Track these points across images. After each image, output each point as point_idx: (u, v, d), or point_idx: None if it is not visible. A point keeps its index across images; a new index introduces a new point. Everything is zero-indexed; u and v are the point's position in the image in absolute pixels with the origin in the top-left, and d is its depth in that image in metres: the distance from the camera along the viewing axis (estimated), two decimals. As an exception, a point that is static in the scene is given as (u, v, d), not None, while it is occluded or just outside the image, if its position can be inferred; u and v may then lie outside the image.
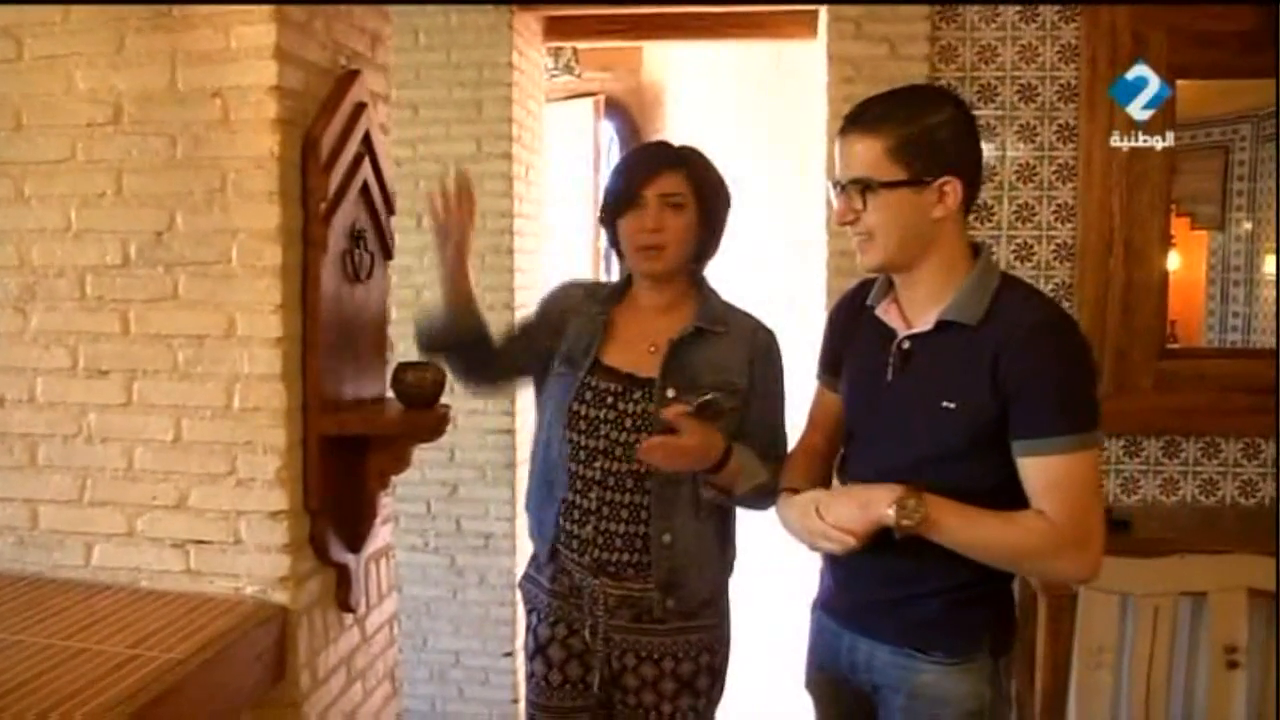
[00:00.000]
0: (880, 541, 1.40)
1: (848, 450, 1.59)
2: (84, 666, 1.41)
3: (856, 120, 1.43)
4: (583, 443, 1.76)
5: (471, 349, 1.84)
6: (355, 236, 1.80)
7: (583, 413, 1.76)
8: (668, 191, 1.75)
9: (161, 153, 1.66)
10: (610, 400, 1.75)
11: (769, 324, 1.85)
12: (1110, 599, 2.57)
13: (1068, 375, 1.38)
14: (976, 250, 1.47)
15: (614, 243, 1.86)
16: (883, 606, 1.50)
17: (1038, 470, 1.37)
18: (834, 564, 1.58)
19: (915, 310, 1.48)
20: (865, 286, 1.59)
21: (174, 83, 1.65)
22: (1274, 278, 3.09)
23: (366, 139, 1.82)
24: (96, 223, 1.68)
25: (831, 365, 1.65)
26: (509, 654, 3.19)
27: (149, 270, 1.67)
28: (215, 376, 1.66)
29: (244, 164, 1.63)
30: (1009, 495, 1.39)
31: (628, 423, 1.74)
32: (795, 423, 1.81)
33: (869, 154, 1.41)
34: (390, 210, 1.94)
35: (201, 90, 1.64)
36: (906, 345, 1.47)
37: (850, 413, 1.58)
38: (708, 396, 1.67)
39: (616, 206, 1.79)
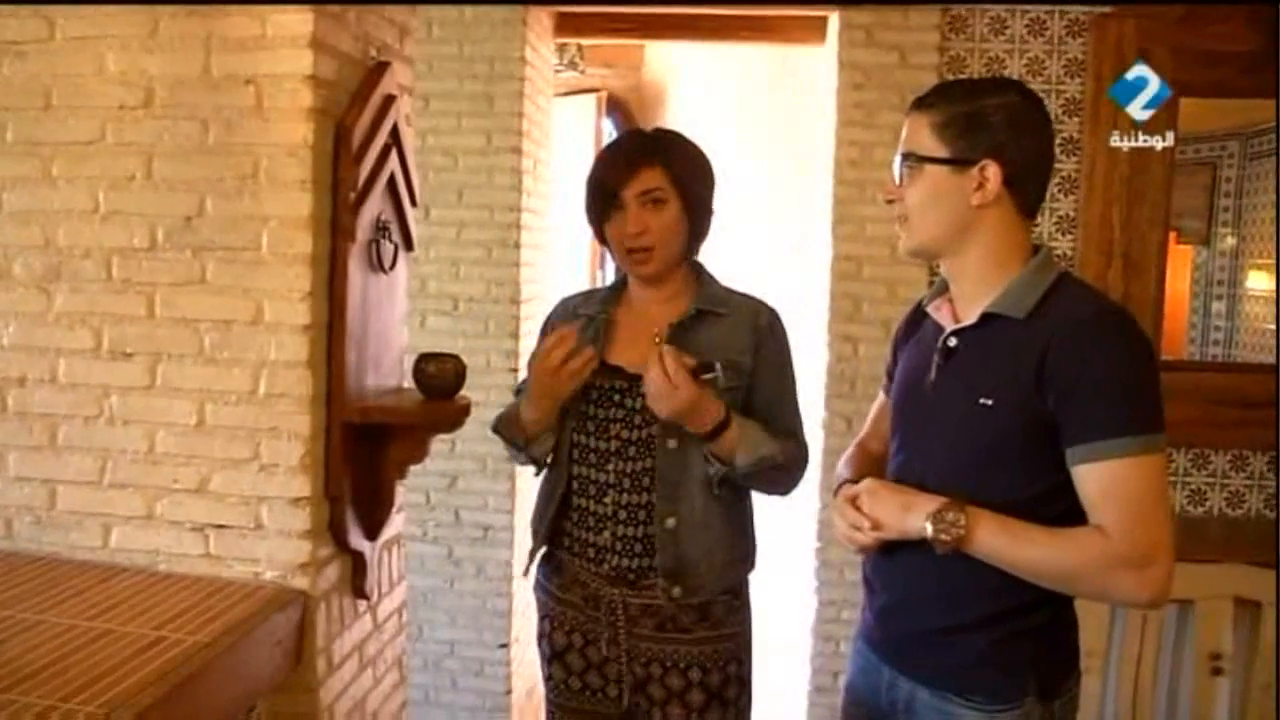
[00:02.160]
0: (919, 562, 1.34)
1: (891, 454, 1.52)
2: (110, 648, 1.41)
3: (919, 100, 1.40)
4: (593, 445, 1.73)
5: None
6: (380, 227, 1.81)
7: (590, 413, 1.73)
8: (646, 189, 1.69)
9: (193, 138, 1.66)
10: (617, 398, 1.72)
11: (771, 304, 1.80)
12: (1100, 605, 2.62)
13: (1127, 370, 1.26)
14: (1037, 251, 1.39)
15: (604, 243, 1.81)
16: (923, 639, 1.41)
17: (1094, 478, 1.25)
18: (872, 592, 1.51)
19: (964, 305, 1.41)
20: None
21: (207, 68, 1.65)
22: (1257, 293, 3.16)
23: (394, 131, 1.83)
24: (125, 205, 1.68)
25: (891, 372, 1.59)
26: (504, 645, 3.21)
27: (177, 254, 1.68)
28: (241, 362, 1.67)
29: (276, 151, 1.63)
30: (1054, 511, 1.29)
31: (637, 419, 1.71)
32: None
33: (918, 130, 1.37)
34: (413, 202, 1.95)
35: (235, 77, 1.64)
36: (952, 342, 1.40)
37: (894, 415, 1.52)
38: (707, 362, 1.62)
39: (600, 213, 1.74)
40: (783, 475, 1.74)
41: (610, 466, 1.72)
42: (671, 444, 1.69)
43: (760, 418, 1.71)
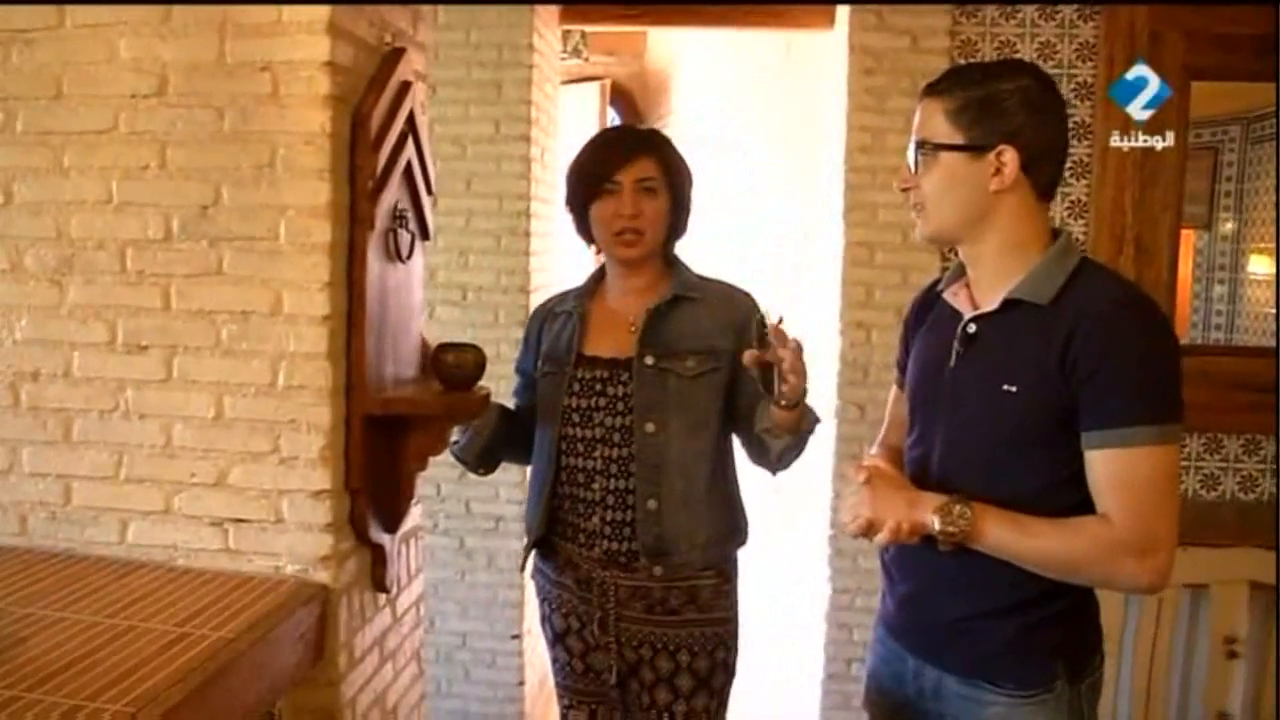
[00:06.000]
0: (940, 551, 1.33)
1: (909, 445, 1.50)
2: (135, 644, 1.40)
3: (931, 86, 1.38)
4: (579, 434, 1.79)
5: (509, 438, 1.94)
6: (398, 216, 1.79)
7: (574, 405, 1.79)
8: (643, 177, 1.77)
9: (208, 126, 1.63)
10: (599, 387, 1.78)
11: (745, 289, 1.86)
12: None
13: (1147, 358, 1.25)
14: (1057, 236, 1.37)
15: (583, 229, 1.86)
16: (949, 628, 1.40)
17: (1106, 465, 1.25)
18: (893, 581, 1.50)
19: (983, 291, 1.39)
20: (941, 279, 1.52)
21: (222, 54, 1.62)
22: (1258, 278, 3.16)
23: (410, 118, 1.80)
24: (139, 195, 1.66)
25: (904, 363, 1.57)
26: (516, 636, 3.19)
27: (193, 245, 1.65)
28: (260, 354, 1.64)
29: (294, 140, 1.60)
30: (1073, 499, 1.29)
31: (620, 406, 1.77)
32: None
33: (931, 116, 1.35)
34: (429, 190, 1.93)
35: (251, 63, 1.61)
36: (972, 328, 1.38)
37: (911, 402, 1.50)
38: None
39: (588, 193, 1.80)
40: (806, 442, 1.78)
41: (597, 453, 1.78)
42: (649, 429, 1.75)
43: (746, 403, 1.77)
